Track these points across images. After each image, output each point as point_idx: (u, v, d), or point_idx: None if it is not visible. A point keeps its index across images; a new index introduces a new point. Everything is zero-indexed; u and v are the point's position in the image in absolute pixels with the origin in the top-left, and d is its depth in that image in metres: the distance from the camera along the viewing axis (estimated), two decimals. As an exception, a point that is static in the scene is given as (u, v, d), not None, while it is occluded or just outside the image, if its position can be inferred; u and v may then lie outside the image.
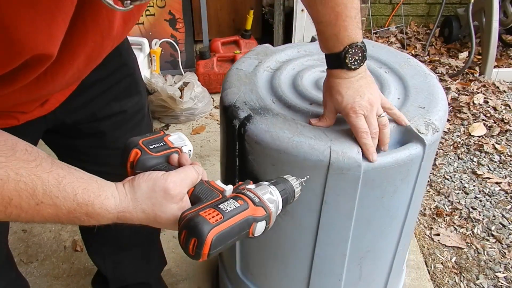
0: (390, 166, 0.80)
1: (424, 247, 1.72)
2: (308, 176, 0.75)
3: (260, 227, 0.59)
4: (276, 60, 1.06)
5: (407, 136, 0.84)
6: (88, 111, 0.88)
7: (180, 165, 0.64)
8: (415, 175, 0.86)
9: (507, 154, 2.19)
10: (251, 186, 0.64)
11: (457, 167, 2.12)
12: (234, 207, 0.56)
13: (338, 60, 0.78)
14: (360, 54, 0.77)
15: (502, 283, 1.57)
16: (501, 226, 1.80)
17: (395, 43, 3.28)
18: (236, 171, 0.92)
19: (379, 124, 0.79)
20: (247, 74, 0.98)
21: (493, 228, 1.79)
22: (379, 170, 0.79)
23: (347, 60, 0.77)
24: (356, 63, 0.77)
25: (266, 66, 1.03)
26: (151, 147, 0.65)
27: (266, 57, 1.06)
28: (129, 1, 0.49)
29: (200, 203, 0.58)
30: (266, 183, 0.66)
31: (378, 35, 3.38)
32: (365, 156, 0.78)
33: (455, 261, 1.66)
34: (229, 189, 0.62)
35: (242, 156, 0.88)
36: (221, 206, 0.56)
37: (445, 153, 2.21)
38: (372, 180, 0.81)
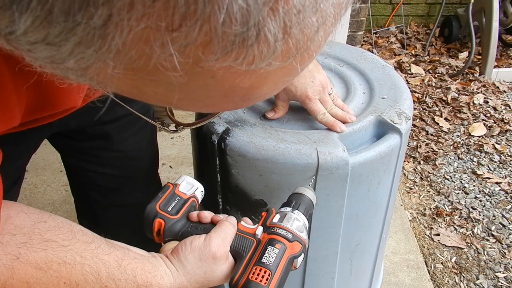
0: (374, 159, 0.82)
1: (424, 247, 1.72)
2: (314, 177, 0.76)
3: (300, 260, 0.61)
4: None
5: (382, 128, 0.86)
6: (93, 115, 0.88)
7: (200, 221, 0.65)
8: (395, 164, 0.89)
9: (507, 154, 2.19)
10: (276, 218, 0.64)
11: (457, 167, 2.12)
12: (275, 255, 0.58)
13: None
14: None
15: (502, 283, 1.57)
16: (501, 226, 1.80)
17: (395, 43, 3.28)
18: (218, 186, 0.91)
19: (332, 99, 0.84)
20: None
21: (493, 228, 1.79)
22: (364, 165, 0.81)
23: None
24: None
25: None
26: (169, 209, 0.65)
27: None
28: (181, 126, 0.54)
29: (242, 259, 0.60)
30: (289, 209, 0.66)
31: (378, 35, 3.38)
32: (333, 131, 0.83)
33: (455, 261, 1.66)
34: (260, 230, 0.63)
35: (224, 171, 0.87)
36: (263, 260, 0.58)
37: (445, 153, 2.21)
38: (359, 176, 0.82)
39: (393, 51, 3.17)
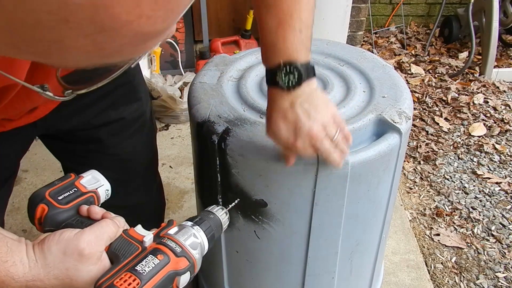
0: (374, 158, 0.82)
1: (424, 247, 1.72)
2: (238, 200, 0.69)
3: (184, 280, 0.55)
4: (237, 68, 1.03)
5: (382, 127, 0.86)
6: (82, 118, 0.87)
7: (90, 216, 0.59)
8: (395, 163, 0.89)
9: (507, 154, 2.19)
10: (173, 230, 0.59)
11: (457, 167, 2.12)
12: (153, 265, 0.52)
13: (271, 76, 0.68)
14: (295, 75, 0.66)
15: (502, 283, 1.57)
16: (501, 226, 1.80)
17: (395, 43, 3.28)
18: (218, 186, 0.90)
19: (336, 144, 0.71)
20: (212, 87, 0.96)
21: (493, 228, 1.79)
22: (364, 164, 0.81)
23: (277, 77, 0.66)
24: (289, 82, 0.66)
25: (229, 76, 1.00)
26: (59, 198, 0.59)
27: (227, 67, 1.03)
28: (70, 91, 0.47)
29: (117, 264, 0.53)
30: (190, 223, 0.61)
31: (378, 35, 3.38)
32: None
33: (455, 261, 1.66)
34: (149, 238, 0.57)
35: (224, 171, 0.87)
36: (138, 268, 0.51)
37: (445, 153, 2.21)
38: (359, 175, 0.82)
39: (393, 51, 3.17)
